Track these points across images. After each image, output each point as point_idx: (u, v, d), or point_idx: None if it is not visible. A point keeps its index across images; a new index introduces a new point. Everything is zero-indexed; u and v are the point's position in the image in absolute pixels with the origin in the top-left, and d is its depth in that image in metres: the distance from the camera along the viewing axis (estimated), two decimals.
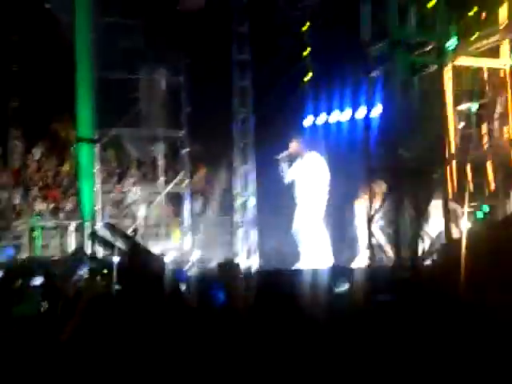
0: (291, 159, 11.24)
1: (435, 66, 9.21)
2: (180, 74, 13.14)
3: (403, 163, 8.98)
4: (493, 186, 10.47)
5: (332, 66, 11.86)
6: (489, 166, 10.52)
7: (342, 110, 12.25)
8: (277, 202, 12.41)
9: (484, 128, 10.41)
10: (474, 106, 10.23)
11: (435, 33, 9.13)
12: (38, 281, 9.41)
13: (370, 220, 9.48)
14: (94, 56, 12.38)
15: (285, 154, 11.21)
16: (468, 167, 10.35)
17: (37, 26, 13.42)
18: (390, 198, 9.31)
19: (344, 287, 7.62)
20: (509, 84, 10.02)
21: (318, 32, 12.52)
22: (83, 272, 10.33)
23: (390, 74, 9.18)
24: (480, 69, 10.32)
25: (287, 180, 11.30)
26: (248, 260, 12.83)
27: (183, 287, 7.39)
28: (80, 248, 11.97)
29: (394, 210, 9.00)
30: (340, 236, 11.54)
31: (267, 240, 13.07)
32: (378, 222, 10.05)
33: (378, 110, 11.26)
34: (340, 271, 8.80)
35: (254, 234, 13.13)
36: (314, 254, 10.99)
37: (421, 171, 9.17)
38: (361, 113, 11.69)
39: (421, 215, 9.17)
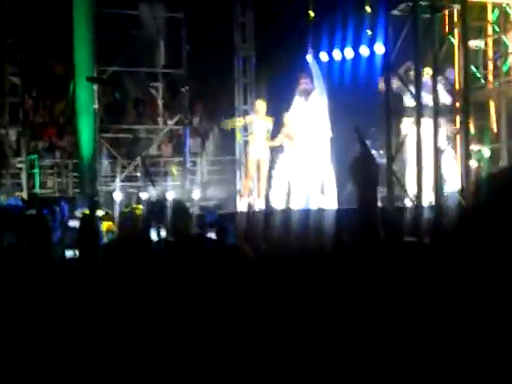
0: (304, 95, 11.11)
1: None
2: (180, 10, 12.88)
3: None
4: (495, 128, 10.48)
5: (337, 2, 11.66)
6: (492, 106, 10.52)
7: (343, 48, 12.05)
8: None
9: (490, 66, 10.34)
10: (481, 43, 10.12)
11: None
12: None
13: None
14: None
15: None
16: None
17: None
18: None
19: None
20: None
21: None
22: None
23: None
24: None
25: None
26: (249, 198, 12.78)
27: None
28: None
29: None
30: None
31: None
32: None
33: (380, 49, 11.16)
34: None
35: None
36: (316, 194, 10.96)
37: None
38: (364, 51, 11.60)
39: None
